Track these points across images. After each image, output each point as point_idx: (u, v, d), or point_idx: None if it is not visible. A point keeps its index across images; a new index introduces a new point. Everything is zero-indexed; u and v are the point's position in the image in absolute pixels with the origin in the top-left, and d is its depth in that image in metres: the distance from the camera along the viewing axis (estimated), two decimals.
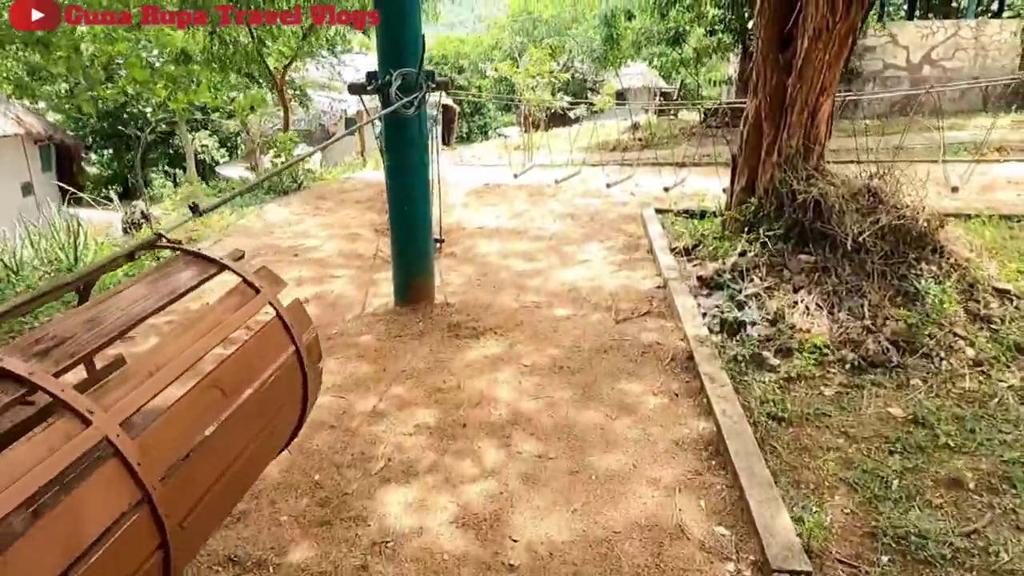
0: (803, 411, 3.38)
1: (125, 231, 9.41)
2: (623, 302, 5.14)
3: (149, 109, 7.18)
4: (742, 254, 5.03)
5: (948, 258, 4.45)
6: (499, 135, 28.35)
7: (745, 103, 5.75)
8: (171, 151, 23.56)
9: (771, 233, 4.94)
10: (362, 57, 24.95)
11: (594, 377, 3.90)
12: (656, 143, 16.60)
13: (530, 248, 6.96)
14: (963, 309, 4.10)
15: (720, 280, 4.83)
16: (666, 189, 9.54)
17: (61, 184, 18.39)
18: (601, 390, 3.75)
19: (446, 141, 29.80)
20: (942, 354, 3.77)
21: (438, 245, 6.98)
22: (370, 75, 4.76)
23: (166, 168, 23.08)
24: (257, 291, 2.03)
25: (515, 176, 11.12)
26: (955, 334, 3.91)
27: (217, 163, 23.43)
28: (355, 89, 5.05)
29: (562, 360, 4.15)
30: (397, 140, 4.84)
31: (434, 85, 4.81)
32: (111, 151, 23.25)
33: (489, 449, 3.21)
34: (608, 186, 10.03)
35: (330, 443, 3.31)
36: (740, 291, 4.59)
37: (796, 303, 4.33)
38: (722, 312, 4.39)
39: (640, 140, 17.89)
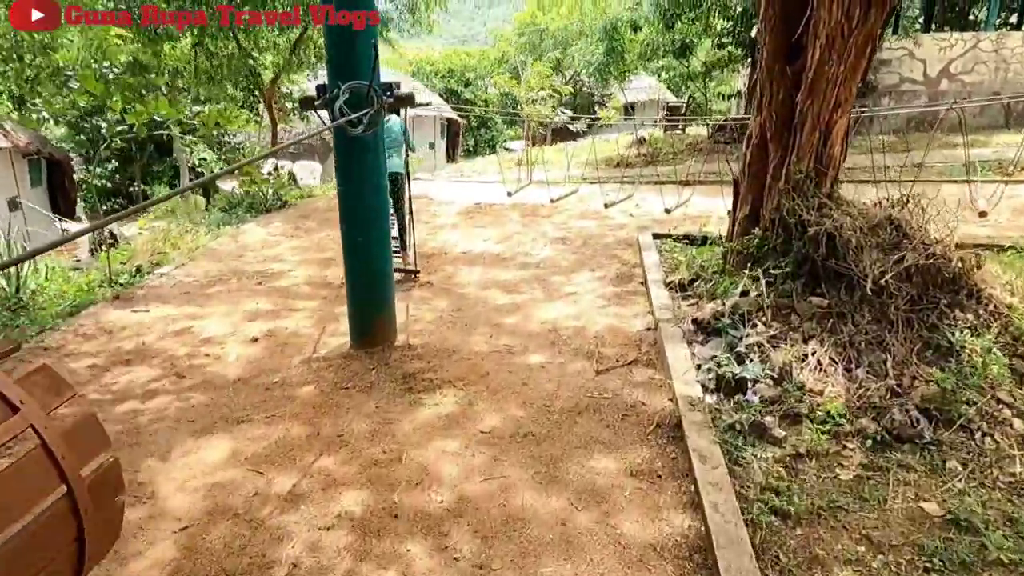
0: (814, 503, 2.73)
1: (92, 251, 8.89)
2: (608, 347, 4.51)
3: (104, 124, 6.71)
4: (744, 293, 4.38)
5: (986, 304, 3.79)
6: (505, 149, 27.88)
7: (750, 115, 5.13)
8: (176, 164, 23.15)
9: (777, 270, 4.30)
10: None
11: (562, 449, 3.26)
12: (661, 159, 16.00)
13: (514, 278, 6.35)
14: (1008, 368, 3.43)
15: (719, 324, 4.18)
16: (668, 211, 8.91)
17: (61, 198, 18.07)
18: (568, 468, 3.11)
19: (451, 156, 29.38)
20: (984, 428, 3.11)
21: (413, 276, 6.41)
22: (319, 88, 4.20)
23: (172, 182, 22.62)
24: (15, 410, 1.38)
25: (509, 195, 10.54)
26: (999, 400, 3.25)
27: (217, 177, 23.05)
28: (305, 104, 4.50)
29: (527, 424, 3.51)
30: (349, 161, 4.26)
31: (392, 99, 4.23)
32: (116, 163, 22.88)
33: (421, 553, 2.58)
34: (606, 206, 9.42)
35: (228, 539, 2.69)
36: (741, 339, 3.95)
37: (806, 356, 3.68)
38: (719, 366, 3.74)
39: (644, 156, 17.29)
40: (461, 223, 9.01)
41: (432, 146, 26.52)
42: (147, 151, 20.96)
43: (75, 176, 22.58)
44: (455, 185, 13.42)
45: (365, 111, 3.88)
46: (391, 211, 6.78)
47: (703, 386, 3.68)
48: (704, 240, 6.90)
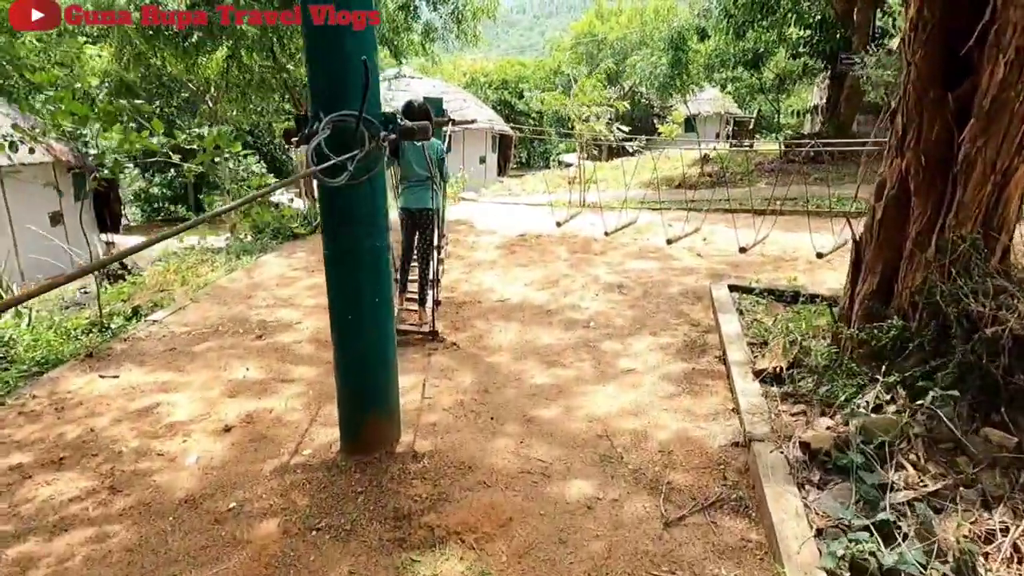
0: None
1: (101, 283, 8.17)
2: (680, 470, 3.30)
3: (94, 151, 6.04)
4: (876, 408, 3.12)
5: None
6: (559, 162, 26.72)
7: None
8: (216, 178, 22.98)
9: (927, 380, 3.03)
10: (417, 82, 23.90)
11: None
12: (728, 179, 14.59)
13: (558, 342, 5.19)
14: None
15: (843, 460, 2.93)
16: (742, 250, 7.61)
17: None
18: None
19: (502, 169, 28.43)
20: None
21: (432, 337, 5.34)
22: (299, 120, 3.17)
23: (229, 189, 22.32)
24: None
25: (558, 225, 9.40)
26: None
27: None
28: (287, 137, 3.48)
29: None
30: (336, 215, 3.21)
31: (395, 134, 3.16)
32: (174, 171, 22.70)
33: None
34: (669, 242, 8.17)
35: None
36: (882, 490, 2.70)
37: (993, 535, 2.42)
38: (854, 542, 2.50)
39: (710, 176, 15.89)
40: (501, 260, 7.91)
41: (483, 160, 25.63)
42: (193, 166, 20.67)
43: (138, 185, 22.66)
44: (501, 208, 12.37)
45: (355, 153, 2.82)
46: (412, 255, 5.76)
47: (829, 573, 2.44)
48: (795, 297, 5.60)
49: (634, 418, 3.87)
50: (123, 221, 19.18)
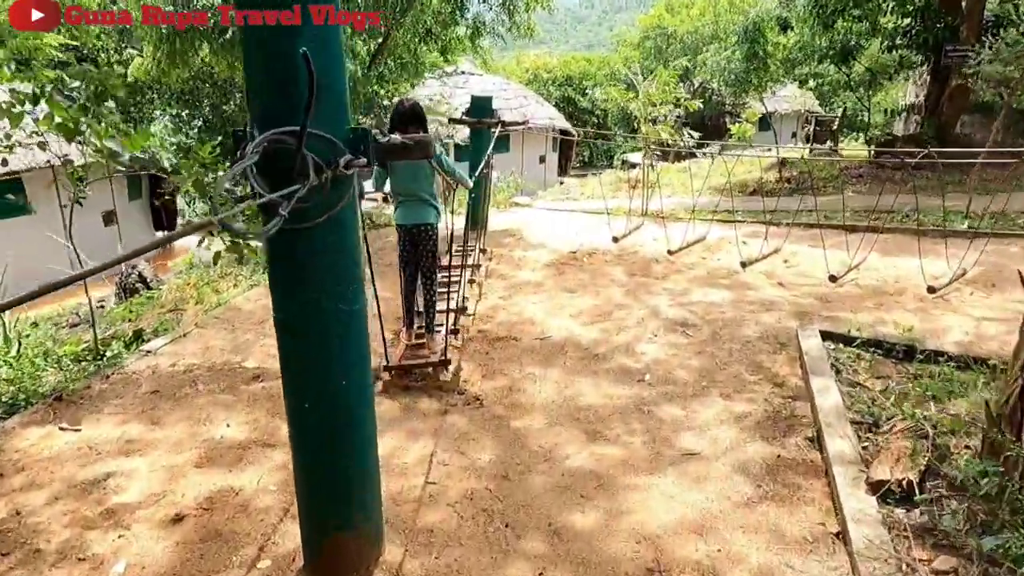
0: None
1: (119, 295, 7.69)
2: None
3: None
4: None
5: None
6: (623, 162, 25.45)
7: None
8: None
9: None
10: (476, 79, 23.12)
11: None
12: (810, 186, 13.14)
13: (603, 403, 4.21)
14: None
15: None
16: (833, 278, 6.41)
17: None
18: None
19: (563, 169, 27.35)
20: None
21: (445, 367, 4.47)
22: (237, 136, 2.30)
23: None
24: None
25: (615, 240, 8.36)
26: None
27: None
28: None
29: None
30: (284, 266, 2.34)
31: (368, 159, 2.26)
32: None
33: None
34: (744, 265, 7.02)
35: None
36: None
37: None
38: None
39: (788, 182, 14.42)
40: (548, 282, 6.94)
41: (542, 159, 24.65)
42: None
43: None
44: (555, 216, 11.37)
45: (288, 191, 1.93)
46: (416, 279, 4.90)
47: None
48: (909, 353, 4.43)
49: (699, 540, 2.86)
50: (180, 219, 19.21)
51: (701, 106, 13.05)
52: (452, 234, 5.11)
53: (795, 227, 8.42)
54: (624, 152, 28.64)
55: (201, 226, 1.86)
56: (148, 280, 7.73)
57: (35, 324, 6.88)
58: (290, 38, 2.05)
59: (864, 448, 3.28)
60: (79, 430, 4.01)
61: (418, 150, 2.63)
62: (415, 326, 5.02)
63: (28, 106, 4.67)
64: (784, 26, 15.35)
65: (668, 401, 4.20)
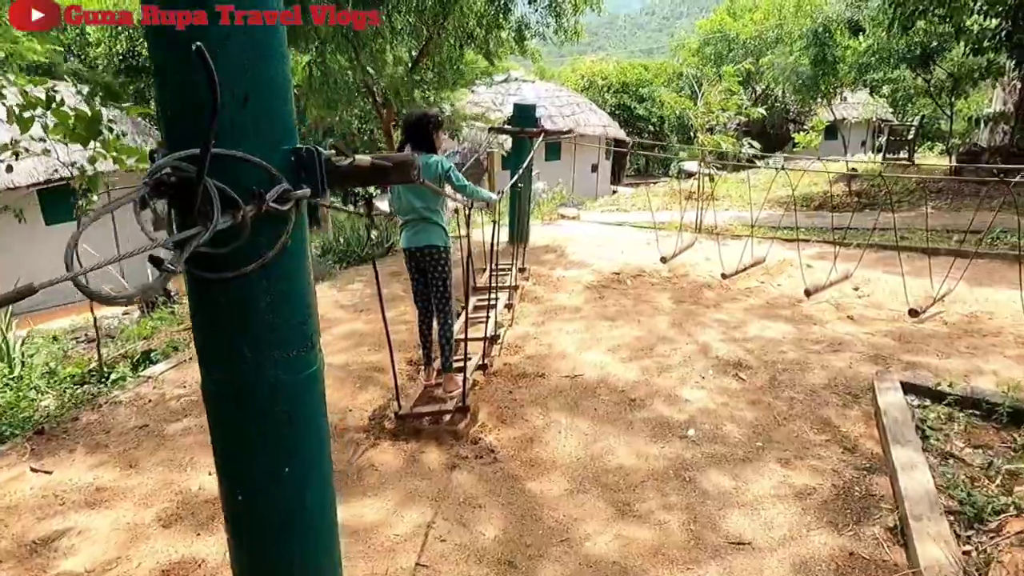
0: None
1: (142, 311, 7.47)
2: None
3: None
4: None
5: None
6: (679, 170, 24.50)
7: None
8: None
9: None
10: (528, 86, 22.64)
11: None
12: (882, 201, 12.12)
13: (638, 464, 3.58)
14: None
15: None
16: (914, 313, 5.61)
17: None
18: None
19: (617, 177, 26.58)
20: None
21: (464, 415, 3.94)
22: (152, 156, 1.80)
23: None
24: None
25: (664, 260, 7.67)
26: None
27: (372, 195, 22.16)
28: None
29: None
30: (210, 329, 1.83)
31: (305, 191, 1.73)
32: None
33: None
34: (808, 294, 6.25)
35: None
36: None
37: None
38: None
39: (859, 196, 13.36)
40: (586, 307, 6.32)
41: (595, 168, 23.95)
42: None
43: None
44: (602, 231, 10.73)
45: (188, 234, 1.41)
46: (431, 310, 4.38)
47: None
48: (1016, 417, 3.65)
49: None
50: None
51: (764, 114, 12.14)
52: (492, 250, 4.62)
53: (870, 248, 7.55)
54: (681, 160, 27.64)
55: (130, 255, 1.37)
56: (171, 293, 7.50)
57: (55, 338, 6.69)
58: (204, 33, 1.54)
59: (966, 554, 2.57)
60: (50, 473, 3.64)
61: (397, 174, 2.10)
62: (433, 363, 4.50)
63: (39, 110, 4.38)
64: (855, 29, 14.29)
65: (714, 465, 3.54)
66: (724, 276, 6.99)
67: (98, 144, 4.37)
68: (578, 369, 4.85)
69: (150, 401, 4.56)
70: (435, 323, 4.37)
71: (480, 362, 4.74)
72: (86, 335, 6.70)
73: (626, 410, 4.21)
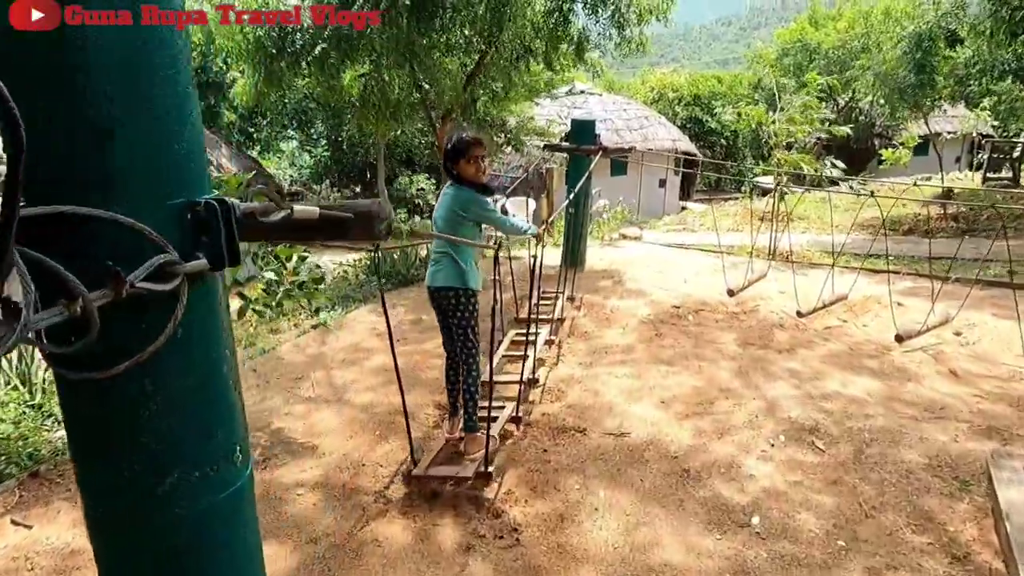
0: None
1: None
2: None
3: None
4: None
5: None
6: (753, 186, 23.26)
7: None
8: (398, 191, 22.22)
9: None
10: (594, 99, 22.05)
11: None
12: (984, 226, 10.93)
13: (690, 561, 2.95)
14: None
15: None
16: None
17: None
18: None
19: (686, 193, 25.55)
20: None
21: (486, 479, 3.42)
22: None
23: (414, 202, 21.50)
24: None
25: (731, 293, 6.92)
26: None
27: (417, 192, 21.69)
28: None
29: None
30: (88, 442, 1.37)
31: (201, 262, 1.25)
32: (359, 186, 22.69)
33: None
34: (900, 340, 5.39)
35: None
36: None
37: None
38: None
39: (956, 220, 12.12)
40: (640, 347, 5.69)
41: (662, 183, 23.05)
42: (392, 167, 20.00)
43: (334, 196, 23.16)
44: (665, 253, 10.02)
45: (29, 318, 0.94)
46: (453, 355, 3.89)
47: None
48: None
49: None
50: None
51: (850, 132, 11.16)
52: (535, 275, 4.14)
53: (977, 285, 6.58)
54: (755, 176, 26.30)
55: None
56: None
57: None
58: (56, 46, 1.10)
59: None
60: (30, 527, 3.33)
61: (359, 228, 1.60)
62: (459, 413, 4.00)
63: None
64: (952, 40, 13.05)
65: (783, 571, 2.87)
66: (800, 314, 6.18)
67: None
68: (625, 425, 4.24)
69: None
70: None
71: (514, 413, 4.20)
72: None
73: (678, 484, 3.58)
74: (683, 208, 22.22)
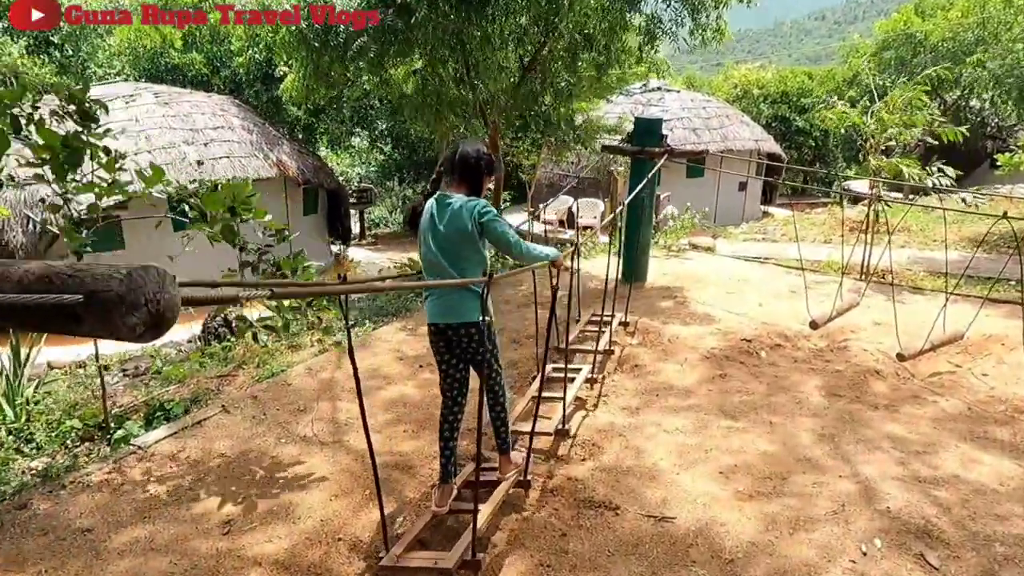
0: None
1: (203, 340, 6.85)
2: None
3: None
4: None
5: None
6: (844, 190, 21.30)
7: None
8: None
9: None
10: (672, 96, 20.80)
11: None
12: None
13: None
14: None
15: None
16: None
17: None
18: None
19: (768, 198, 23.83)
20: None
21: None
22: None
23: None
24: None
25: (814, 326, 5.84)
26: None
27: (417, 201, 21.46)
28: None
29: None
30: None
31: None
32: (425, 184, 22.77)
33: None
34: None
35: None
36: None
37: None
38: None
39: None
40: (700, 390, 4.75)
41: (742, 187, 21.52)
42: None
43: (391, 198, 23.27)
44: (740, 268, 8.91)
45: None
46: (456, 404, 3.16)
47: None
48: None
49: None
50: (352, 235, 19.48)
51: (967, 134, 9.65)
52: (574, 297, 3.37)
53: None
54: (847, 179, 24.11)
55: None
56: (233, 325, 6.83)
57: (105, 367, 6.20)
58: None
59: None
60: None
61: (92, 320, 0.85)
62: (452, 479, 3.24)
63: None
64: None
65: None
66: (901, 357, 5.07)
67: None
68: (670, 504, 3.35)
69: (121, 485, 3.69)
70: (484, 406, 3.11)
71: (523, 476, 3.39)
72: (135, 368, 6.15)
73: None
74: (764, 214, 20.70)
